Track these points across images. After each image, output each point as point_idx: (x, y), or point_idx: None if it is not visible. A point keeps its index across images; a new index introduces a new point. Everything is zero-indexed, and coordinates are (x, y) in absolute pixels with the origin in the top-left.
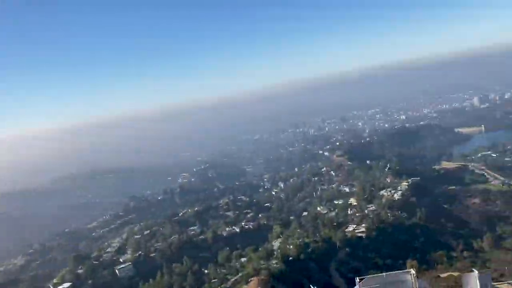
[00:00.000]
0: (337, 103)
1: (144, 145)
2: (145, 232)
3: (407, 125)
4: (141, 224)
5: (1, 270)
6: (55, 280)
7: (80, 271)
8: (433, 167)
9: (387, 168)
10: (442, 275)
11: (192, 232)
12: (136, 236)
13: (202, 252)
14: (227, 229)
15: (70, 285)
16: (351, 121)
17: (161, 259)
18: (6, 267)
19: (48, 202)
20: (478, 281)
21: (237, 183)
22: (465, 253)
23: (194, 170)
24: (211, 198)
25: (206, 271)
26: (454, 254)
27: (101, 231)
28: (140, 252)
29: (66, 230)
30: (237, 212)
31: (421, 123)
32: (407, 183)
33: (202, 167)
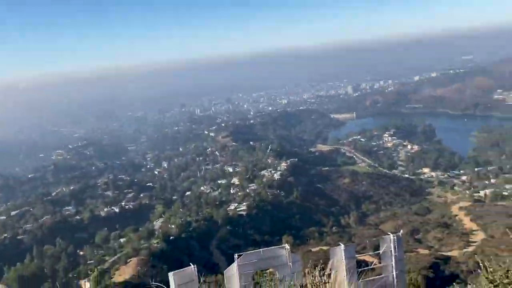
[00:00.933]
0: (224, 84)
1: (15, 118)
2: (12, 213)
3: (288, 109)
4: (8, 204)
5: None
6: None
7: None
8: (310, 149)
9: (268, 149)
10: (314, 249)
11: (67, 213)
12: (1, 217)
13: (78, 233)
14: (105, 209)
15: None
16: (236, 103)
17: (31, 241)
18: None
19: None
20: (343, 254)
21: (118, 162)
22: (334, 229)
23: (70, 147)
24: (88, 177)
25: (81, 252)
26: (325, 230)
27: None
28: (5, 234)
29: None
30: (117, 191)
31: (301, 107)
32: (286, 164)
33: (79, 143)
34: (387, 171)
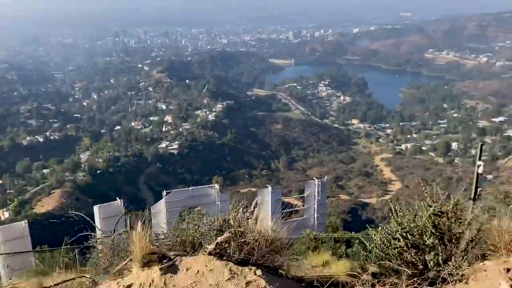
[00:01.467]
0: (162, 15)
1: None
2: None
3: (228, 49)
4: None
5: None
6: None
7: None
8: (247, 92)
9: (205, 89)
10: (243, 190)
11: None
12: None
13: None
14: (28, 138)
15: None
16: (174, 37)
17: None
18: None
19: None
20: (270, 195)
21: (43, 90)
22: (264, 172)
23: None
24: (10, 103)
25: (0, 181)
26: (255, 172)
27: None
28: None
29: None
30: (41, 120)
31: (241, 49)
32: (221, 106)
33: (1, 66)
34: (319, 120)
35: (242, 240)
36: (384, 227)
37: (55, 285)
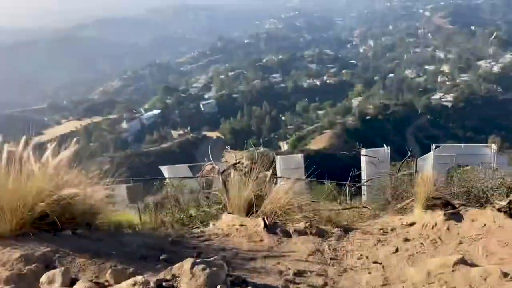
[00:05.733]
0: None
1: None
2: (230, 73)
3: None
4: (227, 65)
5: (101, 90)
6: (146, 106)
7: (168, 101)
8: None
9: (493, 36)
10: None
11: (273, 80)
12: (221, 76)
13: (281, 100)
14: (308, 81)
15: (159, 112)
16: None
17: (242, 100)
18: (105, 88)
19: (143, 32)
20: None
21: (324, 36)
22: None
23: (283, 16)
24: (296, 48)
25: (283, 117)
26: None
27: (189, 67)
28: (223, 91)
29: (157, 61)
30: (320, 65)
31: None
32: (511, 56)
33: (291, 14)
34: None
35: None
36: None
37: (342, 209)
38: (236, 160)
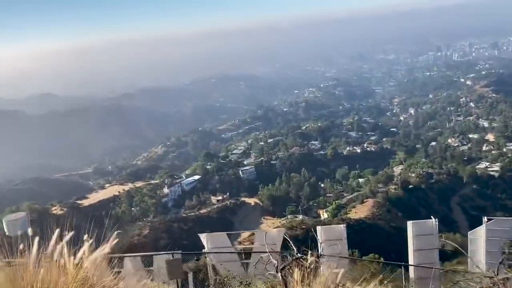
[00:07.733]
0: (489, 25)
1: (277, 55)
2: (269, 140)
3: None
4: (266, 132)
5: (145, 156)
6: (187, 171)
7: (208, 166)
8: None
9: None
10: None
11: (312, 147)
12: (260, 143)
13: (320, 167)
14: (348, 148)
15: (200, 177)
16: (505, 48)
17: (281, 167)
18: (149, 154)
19: (186, 100)
20: None
21: (363, 104)
22: None
23: (321, 85)
24: (335, 116)
25: (322, 185)
26: None
27: (229, 134)
28: (262, 158)
29: (200, 128)
30: (360, 133)
31: None
32: None
33: (330, 83)
34: None
35: None
36: None
37: None
38: (297, 254)
